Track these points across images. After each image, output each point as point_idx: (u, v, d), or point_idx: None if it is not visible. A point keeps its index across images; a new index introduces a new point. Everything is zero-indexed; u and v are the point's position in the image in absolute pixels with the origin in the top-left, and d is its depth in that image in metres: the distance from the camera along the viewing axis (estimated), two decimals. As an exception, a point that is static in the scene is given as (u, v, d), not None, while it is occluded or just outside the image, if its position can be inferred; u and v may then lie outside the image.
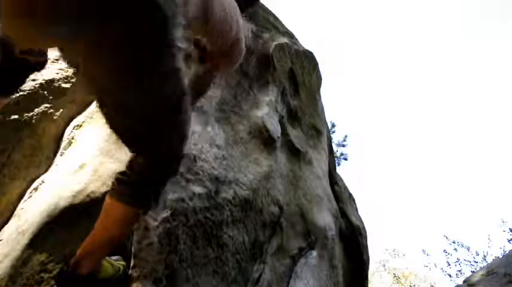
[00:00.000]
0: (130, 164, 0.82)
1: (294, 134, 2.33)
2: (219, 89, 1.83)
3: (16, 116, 1.26)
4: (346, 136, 12.16)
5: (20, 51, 0.70)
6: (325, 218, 2.15)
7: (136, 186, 0.80)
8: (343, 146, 12.04)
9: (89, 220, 1.01)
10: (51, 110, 1.36)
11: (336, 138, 11.92)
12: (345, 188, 3.16)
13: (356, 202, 3.26)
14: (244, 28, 0.98)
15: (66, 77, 1.43)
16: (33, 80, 1.31)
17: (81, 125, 1.37)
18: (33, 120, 1.30)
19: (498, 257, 7.83)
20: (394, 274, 12.31)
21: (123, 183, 0.80)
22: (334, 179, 2.97)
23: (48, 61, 0.84)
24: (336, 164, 3.60)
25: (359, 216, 3.03)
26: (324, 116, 3.10)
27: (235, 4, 0.98)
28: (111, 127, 0.74)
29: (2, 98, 0.83)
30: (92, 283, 0.85)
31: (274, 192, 1.75)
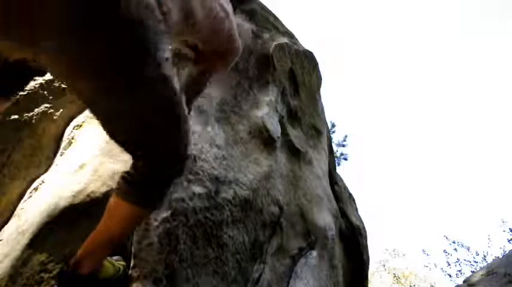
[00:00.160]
0: (134, 164, 0.82)
1: (294, 134, 2.33)
2: (219, 89, 1.83)
3: (16, 116, 1.26)
4: (346, 136, 12.19)
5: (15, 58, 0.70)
6: (325, 218, 2.15)
7: (140, 186, 0.80)
8: (343, 146, 12.06)
9: (89, 220, 1.01)
10: (51, 110, 1.36)
11: (336, 138, 11.93)
12: (345, 188, 3.16)
13: (356, 202, 3.25)
14: (237, 25, 0.96)
15: (66, 77, 1.43)
16: (33, 80, 1.31)
17: (81, 125, 1.37)
18: (33, 120, 1.30)
19: (498, 257, 7.83)
20: (394, 274, 12.32)
21: (128, 182, 0.80)
22: (334, 179, 2.97)
23: None
24: (336, 164, 3.60)
25: (359, 216, 3.03)
26: (324, 116, 3.10)
27: (224, 1, 0.95)
28: (107, 133, 0.75)
29: (3, 100, 0.83)
30: (93, 283, 0.85)
31: (274, 192, 1.75)
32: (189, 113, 0.99)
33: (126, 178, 0.81)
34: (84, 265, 0.82)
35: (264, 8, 2.72)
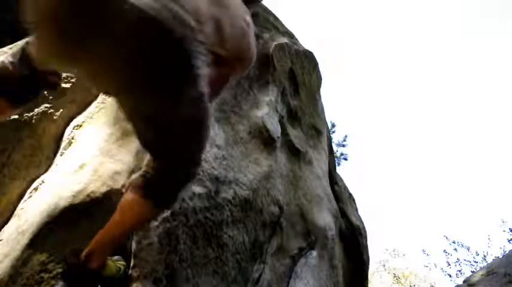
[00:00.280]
0: (149, 164, 0.84)
1: (294, 134, 2.33)
2: (219, 89, 1.83)
3: (16, 116, 1.26)
4: (346, 136, 12.16)
5: (42, 69, 0.79)
6: (325, 218, 2.15)
7: (156, 184, 0.82)
8: (343, 146, 12.04)
9: (89, 220, 1.01)
10: (51, 110, 1.36)
11: (336, 138, 11.92)
12: (345, 188, 3.16)
13: (356, 202, 3.25)
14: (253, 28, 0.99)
15: (66, 77, 1.43)
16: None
17: (81, 125, 1.37)
18: (33, 120, 1.30)
19: (498, 257, 7.84)
20: (394, 274, 12.31)
21: (145, 181, 0.82)
22: (334, 179, 2.97)
23: None
24: (336, 164, 3.60)
25: (359, 216, 3.02)
26: (324, 116, 3.10)
27: (246, 13, 0.96)
28: (139, 139, 0.80)
29: (12, 106, 0.86)
30: (99, 279, 0.87)
31: (274, 192, 1.75)
32: None
33: (146, 177, 0.82)
34: (93, 259, 0.84)
35: (264, 8, 2.72)
